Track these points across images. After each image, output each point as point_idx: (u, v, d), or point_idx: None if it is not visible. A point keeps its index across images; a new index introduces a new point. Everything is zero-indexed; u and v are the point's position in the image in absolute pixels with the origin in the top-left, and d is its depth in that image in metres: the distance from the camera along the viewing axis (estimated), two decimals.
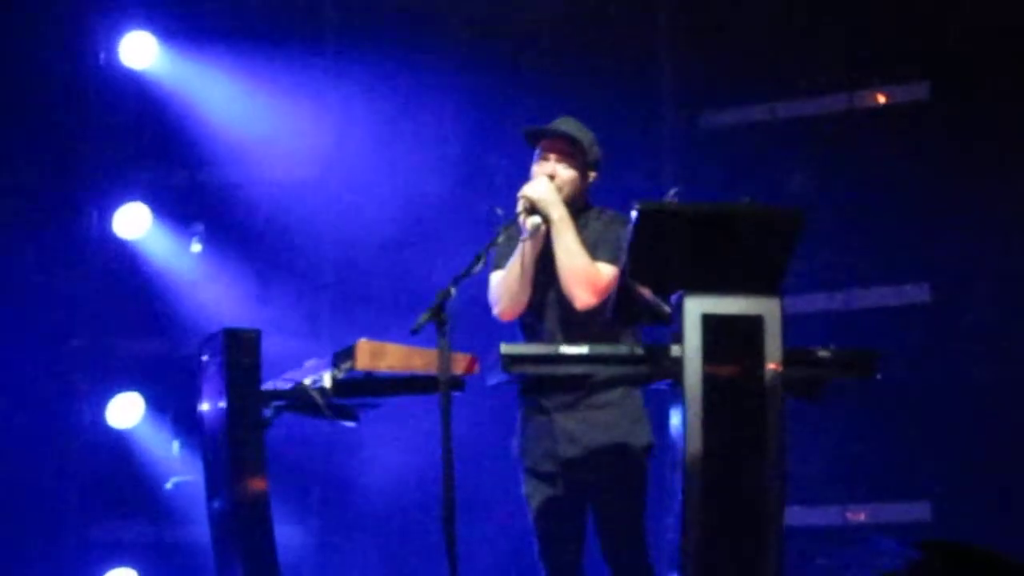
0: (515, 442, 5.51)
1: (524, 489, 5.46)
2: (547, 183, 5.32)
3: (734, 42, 8.32)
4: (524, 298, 5.35)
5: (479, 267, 4.86)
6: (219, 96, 9.06)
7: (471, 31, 8.77)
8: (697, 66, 8.46)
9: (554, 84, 8.39)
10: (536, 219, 5.27)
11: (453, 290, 4.69)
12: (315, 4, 9.20)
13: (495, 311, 5.42)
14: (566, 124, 5.47)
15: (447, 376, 4.67)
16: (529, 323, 5.46)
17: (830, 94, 8.28)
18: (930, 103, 8.04)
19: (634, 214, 4.43)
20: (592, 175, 5.49)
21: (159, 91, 9.20)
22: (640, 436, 5.34)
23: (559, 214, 5.26)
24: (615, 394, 5.31)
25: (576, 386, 5.15)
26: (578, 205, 5.43)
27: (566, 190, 5.37)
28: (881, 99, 8.23)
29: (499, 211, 5.32)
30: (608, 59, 8.51)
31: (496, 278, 5.43)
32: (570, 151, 5.41)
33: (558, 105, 5.91)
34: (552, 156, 5.42)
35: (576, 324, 5.29)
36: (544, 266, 5.33)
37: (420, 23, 8.83)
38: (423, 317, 4.66)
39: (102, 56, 9.33)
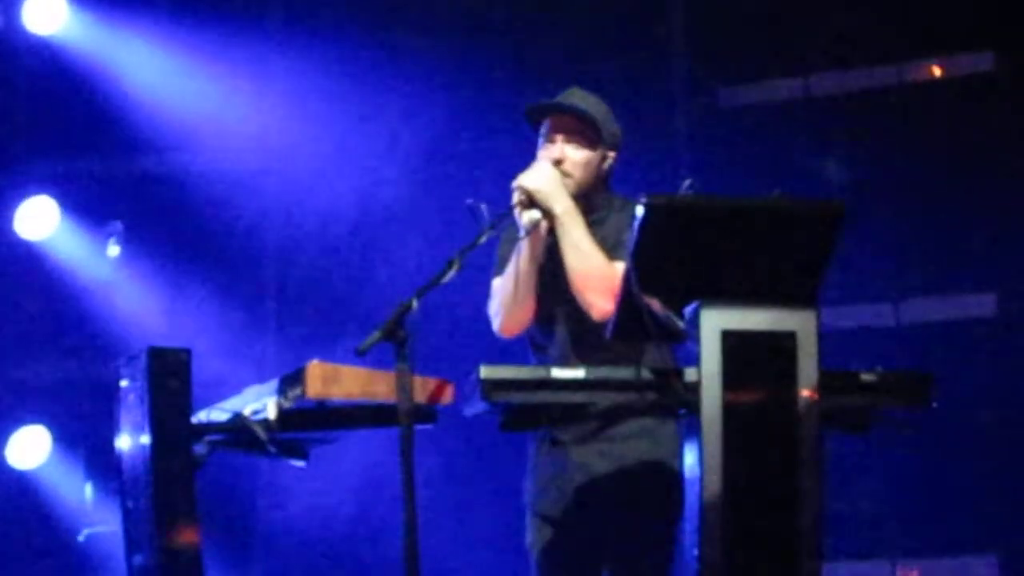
0: (526, 483, 5.49)
1: (528, 538, 5.44)
2: (549, 170, 5.28)
3: (759, 4, 8.34)
4: (526, 310, 5.33)
5: (451, 275, 4.81)
6: (142, 70, 9.07)
7: None
8: (715, 34, 8.48)
9: (545, 54, 8.41)
10: (534, 213, 5.23)
11: (415, 303, 4.65)
12: None
13: (495, 326, 5.40)
14: (574, 96, 5.44)
15: (407, 406, 4.64)
16: (538, 341, 5.45)
17: (875, 66, 8.31)
18: (994, 76, 8.07)
19: (640, 210, 4.42)
20: (611, 155, 5.45)
21: (69, 62, 9.19)
22: (673, 474, 5.27)
23: (563, 207, 5.23)
24: (645, 422, 5.27)
25: (593, 414, 5.12)
26: (597, 193, 5.41)
27: (578, 175, 5.34)
28: (936, 72, 8.26)
29: (482, 207, 5.26)
30: (609, 26, 8.53)
31: (496, 286, 5.42)
32: (581, 128, 5.38)
33: (550, 79, 5.90)
34: (559, 137, 5.38)
35: (592, 341, 5.26)
36: (553, 272, 5.31)
37: None
38: (374, 335, 4.62)
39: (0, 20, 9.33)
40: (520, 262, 5.27)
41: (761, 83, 8.51)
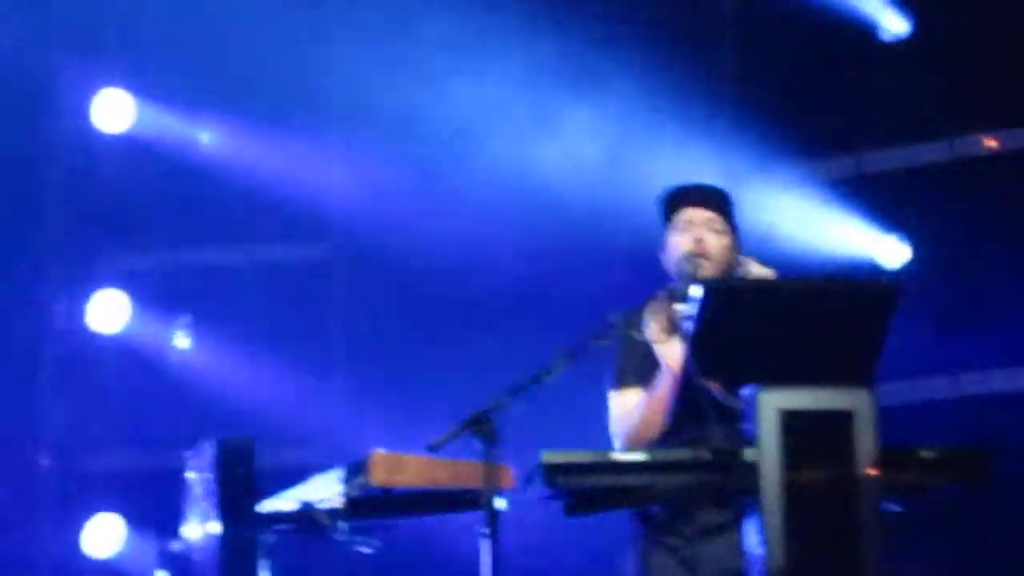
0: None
1: None
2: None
3: (808, 82, 8.33)
4: (659, 431, 5.19)
5: (550, 379, 4.76)
6: (211, 163, 9.12)
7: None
8: (764, 112, 8.46)
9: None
10: (676, 343, 5.10)
11: (507, 399, 4.61)
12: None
13: (619, 442, 5.27)
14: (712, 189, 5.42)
15: (492, 499, 4.59)
16: None
17: (927, 141, 8.27)
18: None
19: (698, 293, 4.42)
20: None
21: (139, 159, 9.25)
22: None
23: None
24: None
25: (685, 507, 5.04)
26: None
27: (718, 259, 5.27)
28: (989, 145, 8.21)
29: (630, 329, 5.19)
30: (662, 100, 8.51)
31: (625, 400, 5.32)
32: (721, 214, 5.34)
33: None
34: (698, 219, 5.31)
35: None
36: None
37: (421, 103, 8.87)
38: (455, 429, 4.59)
39: (68, 119, 9.40)
40: (663, 385, 5.12)
41: (813, 160, 8.48)
